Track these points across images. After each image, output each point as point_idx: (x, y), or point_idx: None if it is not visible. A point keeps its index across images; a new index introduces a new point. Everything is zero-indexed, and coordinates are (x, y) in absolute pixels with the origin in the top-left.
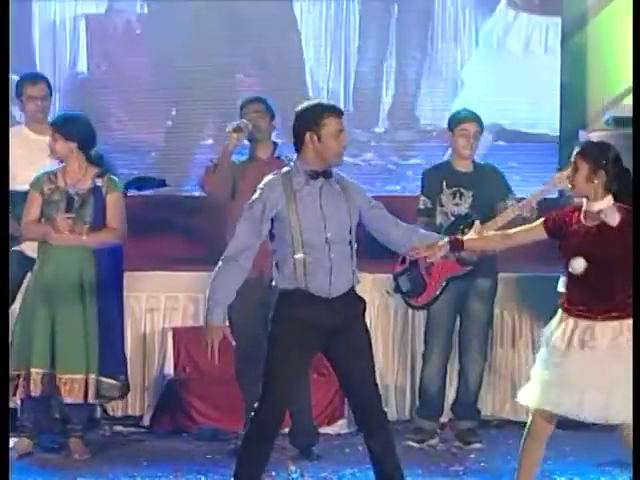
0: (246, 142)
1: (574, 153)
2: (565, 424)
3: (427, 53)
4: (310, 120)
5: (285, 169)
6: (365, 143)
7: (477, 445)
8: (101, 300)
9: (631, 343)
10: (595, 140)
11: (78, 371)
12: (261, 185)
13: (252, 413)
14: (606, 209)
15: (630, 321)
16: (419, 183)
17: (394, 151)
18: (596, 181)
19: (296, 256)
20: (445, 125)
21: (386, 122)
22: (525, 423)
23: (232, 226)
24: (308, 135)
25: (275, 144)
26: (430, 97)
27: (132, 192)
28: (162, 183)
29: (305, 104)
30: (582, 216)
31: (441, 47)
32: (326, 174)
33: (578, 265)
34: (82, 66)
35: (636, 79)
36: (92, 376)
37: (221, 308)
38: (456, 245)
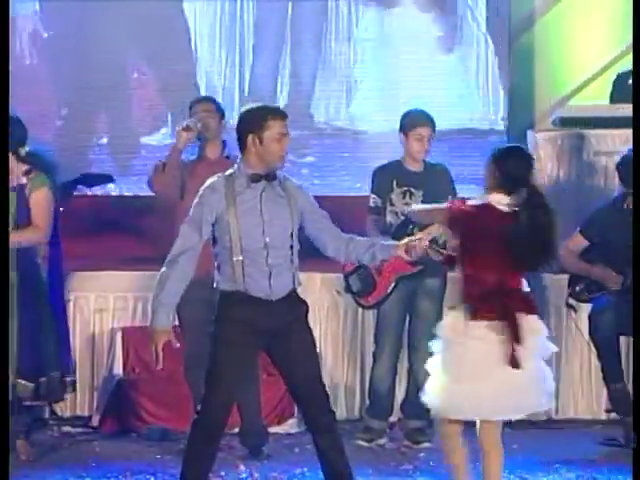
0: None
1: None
2: (513, 423)
3: (321, 52)
4: (253, 122)
5: (229, 171)
6: None
7: (426, 444)
8: (23, 301)
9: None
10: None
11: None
12: (203, 187)
13: (195, 415)
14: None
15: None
16: (316, 181)
17: (289, 149)
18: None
19: (234, 258)
20: (339, 124)
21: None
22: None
23: (180, 225)
24: (250, 137)
25: (225, 143)
26: (324, 96)
27: (80, 189)
28: (109, 179)
29: (249, 106)
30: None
31: (334, 46)
32: (269, 177)
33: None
34: None
35: (636, 79)
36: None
37: (165, 311)
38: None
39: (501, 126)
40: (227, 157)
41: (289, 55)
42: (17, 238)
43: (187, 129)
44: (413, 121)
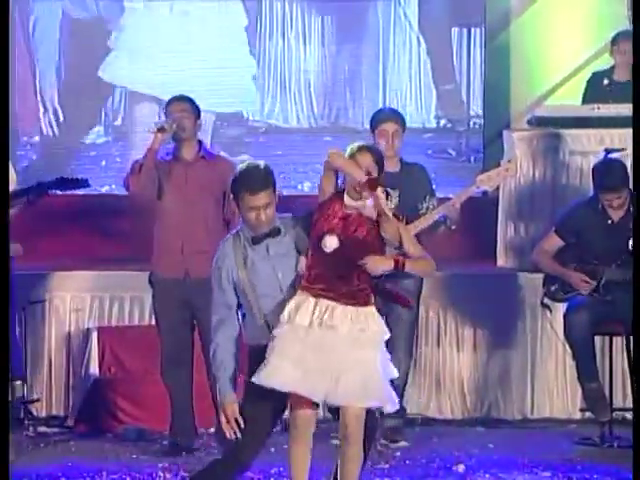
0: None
1: (359, 151)
2: (488, 422)
3: (256, 52)
4: (234, 193)
5: (235, 230)
6: None
7: (402, 443)
8: None
9: (374, 334)
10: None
11: None
12: (217, 253)
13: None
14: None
15: (371, 310)
16: None
17: (223, 147)
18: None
19: (258, 323)
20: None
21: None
22: (450, 421)
23: (159, 225)
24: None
25: (200, 143)
26: (260, 95)
27: (54, 192)
28: (85, 183)
29: (241, 168)
30: (343, 204)
31: (268, 46)
32: (270, 235)
33: (331, 243)
34: None
35: (636, 80)
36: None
37: (226, 383)
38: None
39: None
40: (203, 157)
41: None
42: None
43: (161, 130)
44: (377, 118)
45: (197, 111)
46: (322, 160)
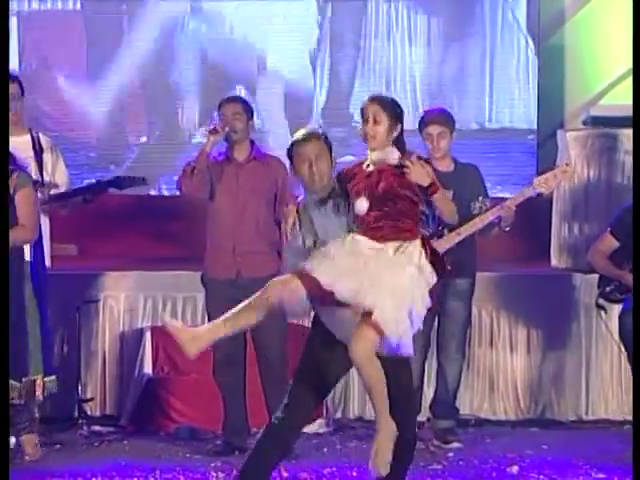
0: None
1: (371, 107)
2: (542, 423)
3: (360, 50)
4: (289, 153)
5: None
6: None
7: (456, 444)
8: (39, 300)
9: (420, 258)
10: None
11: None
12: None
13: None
14: (389, 151)
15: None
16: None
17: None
18: (394, 134)
19: None
20: None
21: (320, 119)
22: (503, 422)
23: (211, 226)
24: (289, 167)
25: (252, 144)
26: (363, 94)
27: (112, 191)
28: (142, 181)
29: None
30: (366, 164)
31: (374, 44)
32: (330, 194)
33: (362, 206)
34: (14, 64)
35: (636, 80)
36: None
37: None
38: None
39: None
40: (255, 158)
41: (328, 54)
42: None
43: (214, 132)
44: (423, 120)
45: (250, 112)
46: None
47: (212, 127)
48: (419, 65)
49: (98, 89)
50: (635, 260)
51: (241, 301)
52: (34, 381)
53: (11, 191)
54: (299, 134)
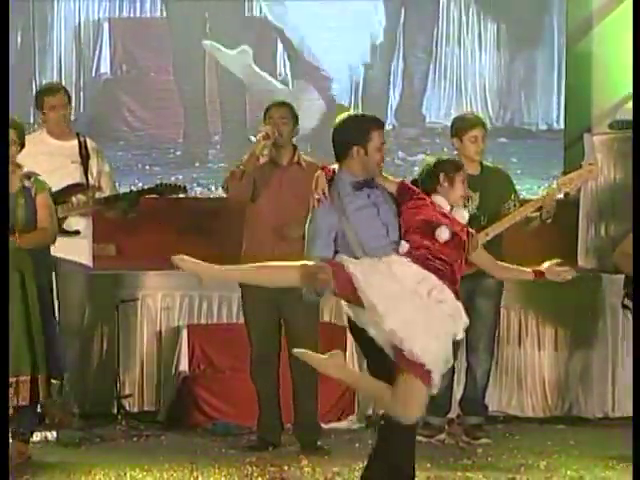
0: None
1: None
2: (569, 420)
3: (432, 54)
4: (357, 134)
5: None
6: None
7: (484, 440)
8: (41, 300)
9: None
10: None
11: (24, 372)
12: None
13: None
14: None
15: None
16: None
17: (401, 147)
18: None
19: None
20: (449, 123)
21: (393, 119)
22: (531, 419)
23: (251, 227)
24: (355, 149)
25: (295, 148)
26: (435, 96)
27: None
28: (182, 189)
29: (349, 115)
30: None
31: (445, 49)
32: (371, 183)
33: (445, 234)
34: (105, 67)
35: (636, 80)
36: (41, 377)
37: None
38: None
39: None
40: (297, 162)
41: (402, 57)
42: (29, 241)
43: (266, 137)
44: (466, 124)
45: (295, 117)
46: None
47: (264, 132)
48: (488, 69)
49: (181, 89)
50: (635, 260)
51: (277, 301)
52: (34, 381)
53: (32, 193)
54: (372, 117)
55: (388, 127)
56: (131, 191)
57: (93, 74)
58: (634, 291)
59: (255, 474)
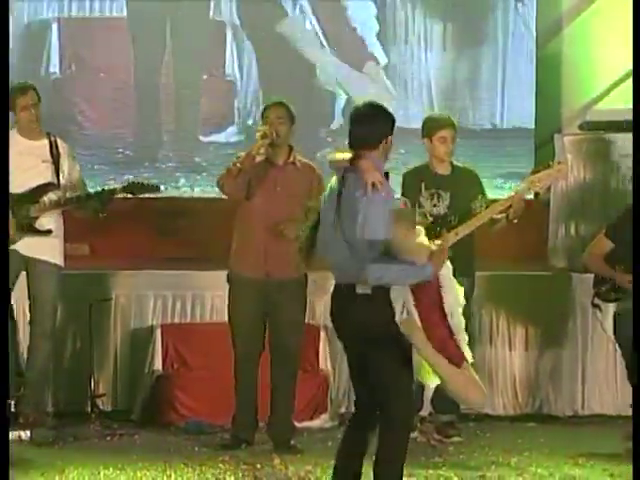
0: None
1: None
2: (539, 418)
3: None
4: (391, 124)
5: None
6: (323, 139)
7: (456, 438)
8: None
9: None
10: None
11: None
12: None
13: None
14: None
15: None
16: None
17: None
18: None
19: None
20: (397, 124)
21: (341, 118)
22: (502, 417)
23: (244, 225)
24: (389, 138)
25: (291, 148)
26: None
27: (127, 195)
28: (155, 188)
29: (380, 106)
30: None
31: (393, 49)
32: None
33: None
34: (54, 67)
35: (636, 79)
36: None
37: None
38: None
39: None
40: (292, 162)
41: None
42: None
43: (264, 136)
44: (435, 124)
45: (292, 117)
46: None
47: (262, 132)
48: (434, 68)
49: (135, 89)
50: (635, 260)
51: (265, 299)
52: None
53: None
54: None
55: (337, 126)
56: (103, 190)
57: (42, 73)
58: (634, 291)
59: (228, 472)
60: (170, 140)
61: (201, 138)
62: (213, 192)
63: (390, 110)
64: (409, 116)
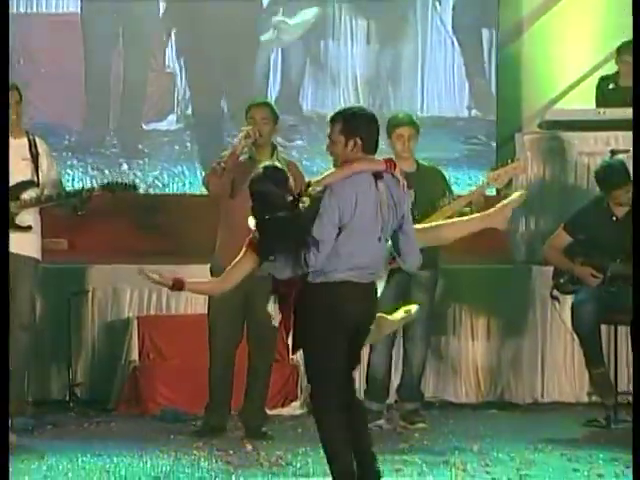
0: None
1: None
2: (500, 405)
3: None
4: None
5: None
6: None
7: (421, 425)
8: None
9: None
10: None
11: None
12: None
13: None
14: None
15: None
16: (304, 162)
17: (280, 134)
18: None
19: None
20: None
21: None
22: (465, 404)
23: (228, 221)
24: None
25: (274, 147)
26: (312, 87)
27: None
28: (133, 187)
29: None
30: None
31: (322, 45)
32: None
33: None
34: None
35: (636, 78)
36: None
37: None
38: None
39: None
40: (277, 161)
41: (280, 50)
42: None
43: (247, 136)
44: (393, 122)
45: (276, 117)
46: None
47: (246, 132)
48: (360, 62)
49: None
50: (635, 260)
51: (246, 290)
52: None
53: None
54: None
55: None
56: (82, 188)
57: None
58: (634, 292)
59: (202, 459)
60: (116, 128)
61: (143, 126)
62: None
63: None
64: None
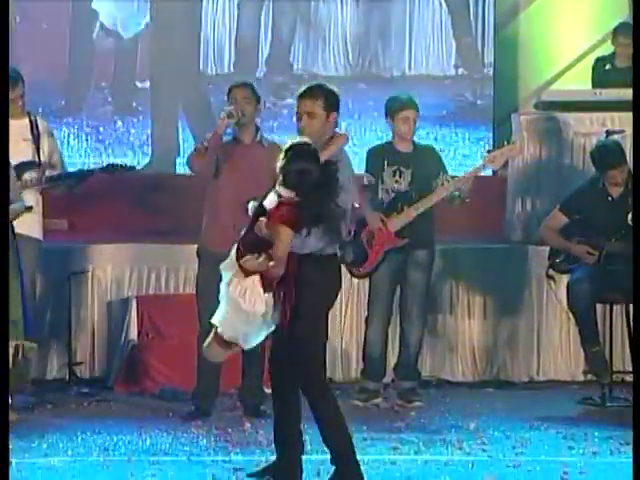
0: None
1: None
2: (496, 384)
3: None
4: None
5: None
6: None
7: (417, 403)
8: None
9: None
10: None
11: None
12: None
13: None
14: None
15: None
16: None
17: (271, 92)
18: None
19: None
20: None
21: (264, 67)
22: (461, 383)
23: (213, 202)
24: None
25: (257, 128)
26: (302, 47)
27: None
28: (132, 168)
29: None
30: None
31: (312, 5)
32: None
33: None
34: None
35: (636, 78)
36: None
37: None
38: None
39: None
40: (259, 142)
41: (272, 11)
42: None
43: (229, 116)
44: (399, 105)
45: (258, 97)
46: (357, 104)
47: (228, 112)
48: (349, 21)
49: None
50: (635, 260)
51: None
52: (16, 346)
53: None
54: None
55: (259, 74)
56: (81, 170)
57: None
58: (634, 292)
59: (200, 437)
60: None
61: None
62: None
63: None
64: None
